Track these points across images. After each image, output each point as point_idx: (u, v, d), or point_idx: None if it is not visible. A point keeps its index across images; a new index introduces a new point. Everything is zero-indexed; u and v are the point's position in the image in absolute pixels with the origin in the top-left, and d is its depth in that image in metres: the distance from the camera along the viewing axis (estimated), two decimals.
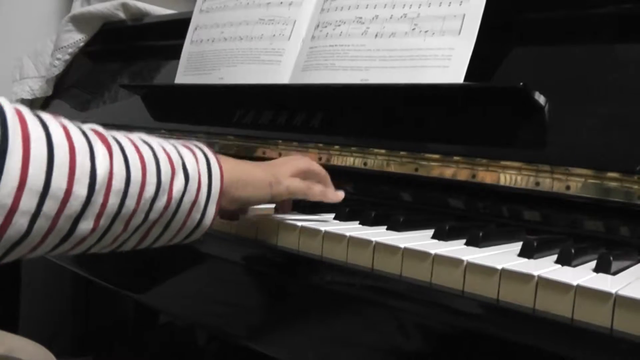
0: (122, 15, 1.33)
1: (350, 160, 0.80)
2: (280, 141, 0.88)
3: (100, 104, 1.31)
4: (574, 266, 0.51)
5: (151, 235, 0.52)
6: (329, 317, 0.56)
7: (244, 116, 0.96)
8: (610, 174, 0.60)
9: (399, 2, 0.80)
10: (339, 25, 0.85)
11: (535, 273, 0.46)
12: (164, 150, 0.51)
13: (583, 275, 0.47)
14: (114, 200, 0.46)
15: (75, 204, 0.43)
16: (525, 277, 0.46)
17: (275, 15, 0.94)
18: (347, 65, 0.82)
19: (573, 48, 0.70)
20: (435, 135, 0.75)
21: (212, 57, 1.01)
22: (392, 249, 0.53)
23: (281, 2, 0.95)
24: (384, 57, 0.79)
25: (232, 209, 0.61)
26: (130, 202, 0.47)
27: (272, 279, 0.62)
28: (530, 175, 0.65)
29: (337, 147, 0.81)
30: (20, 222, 0.41)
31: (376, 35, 0.80)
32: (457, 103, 0.75)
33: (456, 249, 0.54)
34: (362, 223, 0.64)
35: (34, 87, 1.45)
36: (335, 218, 0.67)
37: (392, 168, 0.76)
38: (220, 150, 0.93)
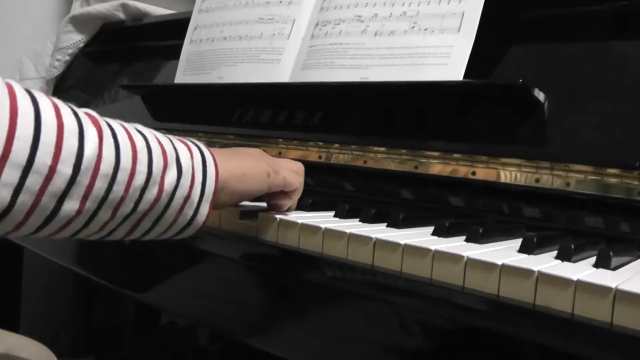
0: (121, 15, 1.34)
1: (350, 158, 0.80)
2: (280, 140, 0.88)
3: (100, 104, 1.31)
4: (574, 262, 0.51)
5: (141, 227, 0.52)
6: (329, 314, 0.57)
7: (244, 115, 0.96)
8: (610, 170, 0.61)
9: (398, 1, 0.80)
10: (339, 24, 0.85)
11: (535, 268, 0.46)
12: (159, 142, 0.51)
13: (583, 270, 0.47)
14: (100, 184, 0.45)
15: (59, 181, 0.43)
16: (526, 273, 0.46)
17: (274, 14, 0.95)
18: (346, 63, 0.82)
19: (572, 45, 0.70)
20: (435, 132, 0.75)
21: (211, 57, 1.01)
22: (392, 246, 0.53)
23: (280, 1, 0.95)
24: (384, 55, 0.79)
25: (234, 202, 0.61)
26: (118, 189, 0.47)
27: (272, 276, 0.62)
28: (530, 172, 0.65)
29: (337, 145, 0.82)
30: (2, 193, 0.41)
31: (376, 34, 0.81)
32: (456, 100, 0.75)
33: (456, 245, 0.54)
34: (362, 220, 0.64)
35: (34, 88, 1.45)
36: (335, 215, 0.67)
37: (392, 166, 0.76)
38: None
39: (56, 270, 1.32)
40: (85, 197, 0.45)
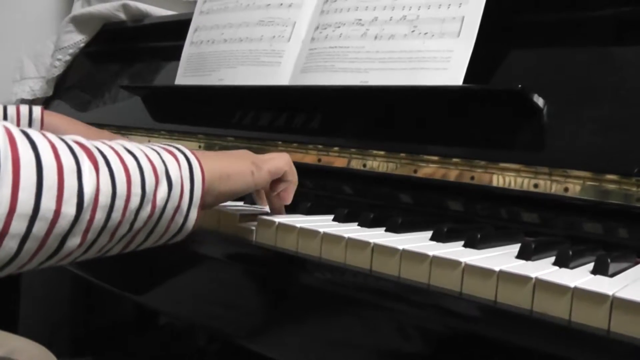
0: (122, 16, 1.34)
1: (349, 161, 0.80)
2: (280, 142, 0.88)
3: (100, 104, 1.31)
4: (572, 268, 0.51)
5: (135, 242, 0.52)
6: (327, 318, 0.57)
7: (244, 117, 0.96)
8: (609, 176, 0.61)
9: (399, 5, 0.80)
10: (339, 27, 0.85)
11: (533, 275, 0.46)
12: (148, 158, 0.51)
13: (581, 277, 0.47)
14: (100, 215, 0.46)
15: (63, 223, 0.43)
16: (523, 279, 0.46)
17: (275, 16, 0.95)
18: (346, 67, 0.82)
19: (572, 50, 0.70)
20: (434, 137, 0.75)
21: (212, 59, 1.01)
22: (390, 251, 0.53)
23: (281, 4, 0.95)
24: (384, 59, 0.79)
25: (220, 202, 0.62)
26: (116, 215, 0.47)
27: (270, 280, 0.62)
28: (529, 177, 0.65)
29: (336, 148, 0.82)
30: (10, 245, 0.41)
31: (375, 37, 0.81)
32: (456, 105, 0.75)
33: (454, 250, 0.54)
34: (361, 224, 0.64)
35: (35, 87, 1.46)
36: (333, 219, 0.67)
37: (391, 170, 0.76)
38: None
39: (55, 271, 1.32)
40: (86, 231, 0.46)
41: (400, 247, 0.53)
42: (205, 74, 1.01)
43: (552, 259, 0.53)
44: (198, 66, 1.03)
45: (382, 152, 0.77)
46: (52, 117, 0.92)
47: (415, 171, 0.73)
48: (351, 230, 0.60)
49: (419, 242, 0.57)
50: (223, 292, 0.67)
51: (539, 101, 0.67)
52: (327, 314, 0.57)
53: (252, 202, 0.76)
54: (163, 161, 0.53)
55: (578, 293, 0.44)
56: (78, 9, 1.45)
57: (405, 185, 0.76)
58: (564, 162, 0.63)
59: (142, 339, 1.45)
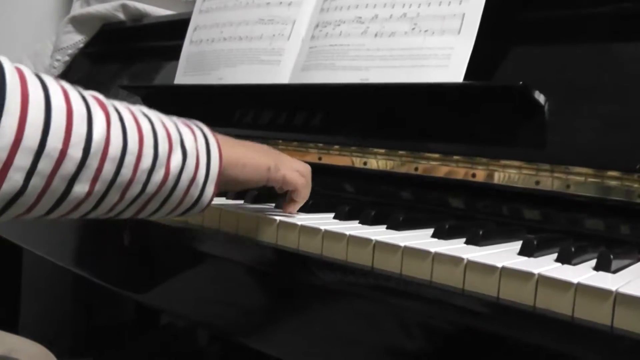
0: (121, 16, 1.34)
1: (350, 159, 0.80)
2: (280, 141, 0.88)
3: None
4: (574, 264, 0.51)
5: (149, 208, 0.53)
6: (329, 316, 0.56)
7: (244, 116, 0.96)
8: (611, 173, 0.61)
9: (399, 2, 0.80)
10: (339, 25, 0.85)
11: (536, 271, 0.46)
12: (164, 125, 0.52)
13: (583, 273, 0.47)
14: (109, 167, 0.46)
15: (69, 164, 0.44)
16: (526, 275, 0.46)
17: (274, 15, 0.94)
18: (346, 64, 0.82)
19: (573, 47, 0.70)
20: (435, 134, 0.75)
21: (211, 58, 1.01)
22: (392, 248, 0.53)
23: (280, 2, 0.95)
24: (384, 57, 0.79)
25: (231, 189, 0.62)
26: (127, 172, 0.48)
27: (272, 277, 0.62)
28: (531, 174, 0.65)
29: (337, 146, 0.82)
30: (15, 177, 0.42)
31: (376, 35, 0.80)
32: (456, 102, 0.75)
33: (456, 247, 0.54)
34: (362, 222, 0.64)
35: None
36: (335, 217, 0.67)
37: (392, 167, 0.76)
38: None
39: (55, 270, 1.32)
40: (94, 180, 0.46)
41: (402, 244, 0.53)
42: (205, 73, 1.01)
43: (555, 255, 0.53)
44: (198, 65, 1.03)
45: (382, 150, 0.77)
46: None
47: (416, 169, 0.73)
48: (352, 228, 0.60)
49: (420, 239, 0.56)
50: (224, 291, 0.67)
51: (540, 98, 0.67)
52: (329, 311, 0.57)
53: (253, 202, 0.76)
54: (179, 131, 0.54)
55: (581, 289, 0.44)
56: (77, 9, 1.45)
57: (407, 182, 0.76)
58: (565, 159, 0.63)
59: (142, 339, 1.45)
